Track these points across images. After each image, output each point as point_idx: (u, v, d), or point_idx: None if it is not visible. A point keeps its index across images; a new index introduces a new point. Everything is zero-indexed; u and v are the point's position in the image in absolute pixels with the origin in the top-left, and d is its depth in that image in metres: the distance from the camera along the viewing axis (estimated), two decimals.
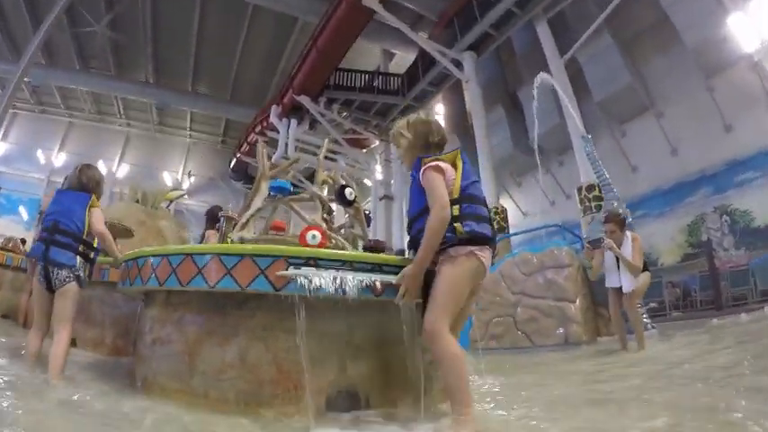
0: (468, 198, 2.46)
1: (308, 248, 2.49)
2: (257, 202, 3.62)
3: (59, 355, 2.98)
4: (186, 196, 11.89)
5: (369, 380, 2.36)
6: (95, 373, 3.51)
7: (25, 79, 21.53)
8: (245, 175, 27.95)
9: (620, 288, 5.51)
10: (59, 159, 29.06)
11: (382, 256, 2.56)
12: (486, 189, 14.55)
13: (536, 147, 11.98)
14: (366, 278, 2.31)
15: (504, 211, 14.54)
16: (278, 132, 20.38)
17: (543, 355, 6.48)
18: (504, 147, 17.56)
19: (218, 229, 5.96)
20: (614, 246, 5.50)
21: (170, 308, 2.73)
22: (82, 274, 3.26)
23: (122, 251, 3.51)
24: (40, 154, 28.90)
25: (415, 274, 2.33)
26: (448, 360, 2.17)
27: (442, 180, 2.42)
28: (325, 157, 20.52)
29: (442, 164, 2.48)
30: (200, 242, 6.23)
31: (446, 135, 2.77)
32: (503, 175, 16.88)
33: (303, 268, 2.26)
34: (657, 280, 11.28)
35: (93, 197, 3.45)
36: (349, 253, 2.52)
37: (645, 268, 5.70)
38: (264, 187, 3.71)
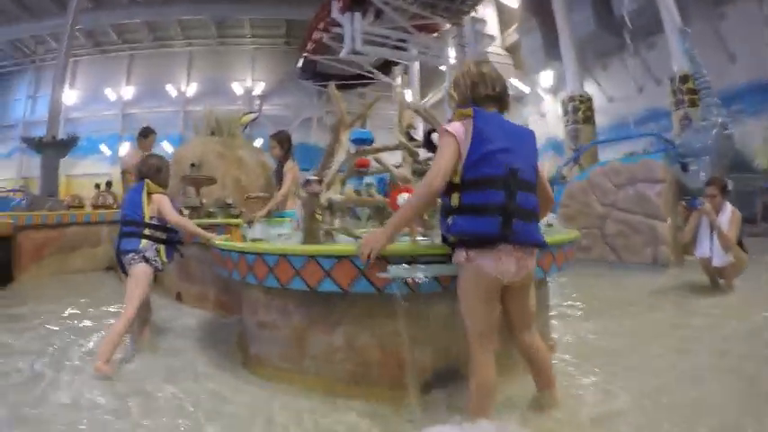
0: (472, 183, 2.03)
1: (406, 247, 2.39)
2: (340, 156, 3.44)
3: (114, 333, 3.09)
4: (259, 114, 12.20)
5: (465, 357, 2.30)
6: (204, 341, 3.83)
7: (77, 27, 22.24)
8: (315, 73, 27.95)
9: (710, 259, 5.21)
10: (128, 92, 30.50)
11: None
12: (568, 72, 13.56)
13: (625, 24, 10.91)
14: None
15: (589, 100, 13.41)
16: (342, 27, 19.82)
17: (630, 276, 6.47)
18: (586, 25, 15.93)
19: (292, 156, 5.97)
20: (712, 212, 5.16)
21: (272, 296, 2.78)
22: (150, 255, 3.40)
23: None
24: (109, 92, 30.29)
25: (373, 239, 2.16)
26: (472, 386, 2.06)
27: (452, 149, 2.07)
28: (395, 47, 20.01)
29: (456, 126, 2.11)
30: (278, 170, 6.24)
31: (503, 83, 2.26)
32: (586, 57, 15.48)
33: (402, 266, 2.21)
34: (750, 188, 10.38)
35: (147, 183, 3.52)
36: (442, 248, 2.32)
37: (740, 243, 5.27)
38: (345, 138, 3.53)
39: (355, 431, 2.16)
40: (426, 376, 2.37)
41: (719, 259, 5.13)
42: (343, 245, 2.69)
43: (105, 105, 30.76)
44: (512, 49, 19.33)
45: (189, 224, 3.64)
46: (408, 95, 27.55)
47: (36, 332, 4.02)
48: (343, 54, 19.03)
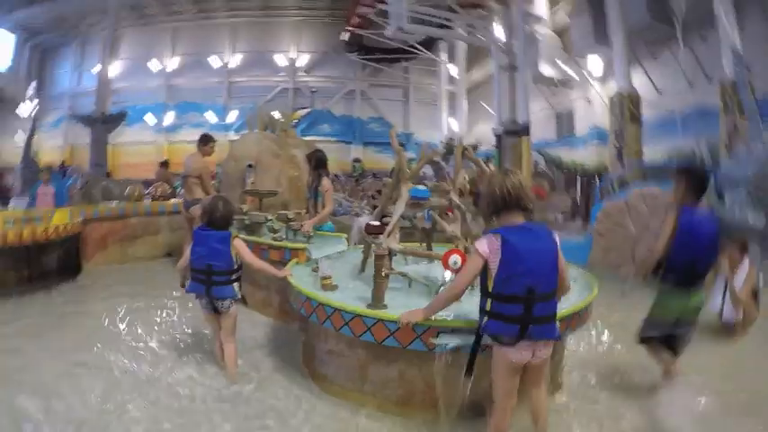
0: (499, 297, 2.70)
1: (453, 321, 3.12)
2: (400, 208, 4.10)
3: (232, 359, 4.08)
4: (311, 108, 12.70)
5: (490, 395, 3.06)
6: (266, 348, 4.68)
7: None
8: (360, 46, 28.59)
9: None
10: (173, 63, 31.67)
11: None
12: (617, 61, 13.51)
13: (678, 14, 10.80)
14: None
15: (636, 97, 13.27)
16: (387, 2, 20.20)
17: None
18: (638, 11, 15.30)
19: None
20: (729, 273, 5.26)
21: (342, 334, 3.50)
22: (238, 295, 4.16)
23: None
24: (153, 63, 31.49)
25: (413, 315, 3.02)
26: (491, 427, 2.87)
27: (477, 266, 2.77)
28: (441, 26, 20.30)
29: (484, 247, 2.73)
30: (312, 188, 6.79)
31: (528, 194, 2.81)
32: (637, 44, 15.13)
33: (447, 336, 3.05)
34: None
35: (232, 233, 4.24)
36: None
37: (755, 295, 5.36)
38: (405, 192, 4.16)
39: None
40: (460, 406, 3.13)
41: (728, 314, 5.27)
42: None
43: (150, 76, 31.96)
44: (560, 31, 19.25)
45: (267, 267, 4.37)
46: (453, 71, 27.89)
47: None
48: (388, 33, 19.48)
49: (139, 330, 5.15)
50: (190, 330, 5.20)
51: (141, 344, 4.76)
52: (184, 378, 3.95)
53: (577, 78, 18.46)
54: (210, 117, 31.11)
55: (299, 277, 4.32)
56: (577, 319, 3.54)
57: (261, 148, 9.26)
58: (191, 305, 5.61)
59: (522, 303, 2.65)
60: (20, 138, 28.92)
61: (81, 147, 25.28)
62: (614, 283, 6.95)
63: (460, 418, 3.11)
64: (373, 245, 3.78)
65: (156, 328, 5.26)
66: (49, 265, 7.26)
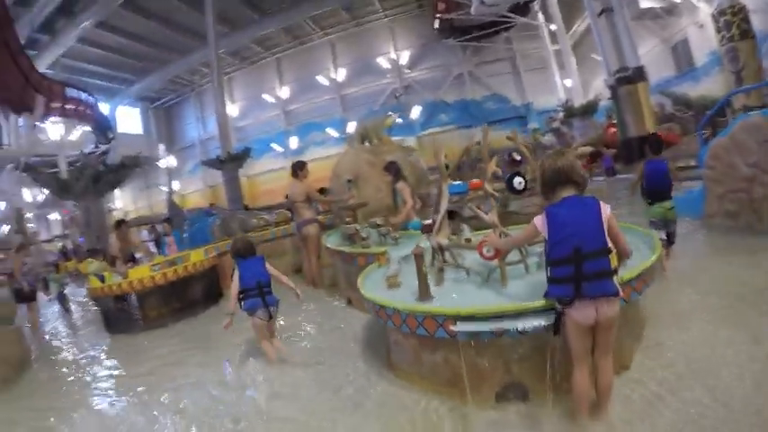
0: (553, 262, 2.99)
1: (467, 309, 3.34)
2: (444, 205, 4.47)
3: (282, 348, 5.08)
4: (398, 115, 13.07)
5: (530, 377, 3.34)
6: (363, 343, 5.27)
7: (221, 51, 25.73)
8: (453, 29, 28.88)
9: None
10: (284, 92, 34.38)
11: (518, 305, 3.25)
12: None
13: None
14: (511, 325, 3.15)
15: (742, 10, 12.26)
16: None
17: None
18: None
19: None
20: None
21: None
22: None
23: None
24: (267, 96, 34.29)
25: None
26: (573, 390, 3.06)
27: (529, 232, 3.20)
28: None
29: (538, 220, 3.08)
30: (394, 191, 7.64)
31: (558, 167, 3.08)
32: None
33: (464, 322, 3.31)
34: None
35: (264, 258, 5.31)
36: (499, 308, 3.30)
37: None
38: (446, 190, 4.55)
39: (445, 417, 3.45)
40: (497, 389, 3.39)
41: None
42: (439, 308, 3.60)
43: (266, 109, 35.20)
44: None
45: (286, 280, 5.33)
46: (553, 29, 27.05)
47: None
48: (474, 10, 19.59)
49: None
50: (309, 331, 6.07)
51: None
52: (297, 375, 4.70)
53: (679, 2, 17.25)
54: (332, 132, 32.76)
55: (375, 280, 4.84)
56: (642, 281, 3.63)
57: (359, 161, 9.94)
58: (300, 318, 6.44)
59: (572, 264, 2.90)
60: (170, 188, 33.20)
61: (218, 185, 27.98)
62: (732, 238, 6.70)
63: (557, 392, 3.26)
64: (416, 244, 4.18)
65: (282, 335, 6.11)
66: (195, 295, 8.61)
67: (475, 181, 4.91)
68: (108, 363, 6.73)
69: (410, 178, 9.00)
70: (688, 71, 19.23)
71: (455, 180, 4.96)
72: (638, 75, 16.72)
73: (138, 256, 10.20)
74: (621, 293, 2.97)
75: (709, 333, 3.97)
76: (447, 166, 4.74)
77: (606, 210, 3.00)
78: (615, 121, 18.40)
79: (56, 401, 5.33)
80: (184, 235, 12.79)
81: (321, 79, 33.35)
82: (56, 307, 11.68)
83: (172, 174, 31.15)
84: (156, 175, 33.21)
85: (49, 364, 7.15)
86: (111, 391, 5.44)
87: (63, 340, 8.69)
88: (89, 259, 12.32)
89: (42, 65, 25.32)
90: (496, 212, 4.50)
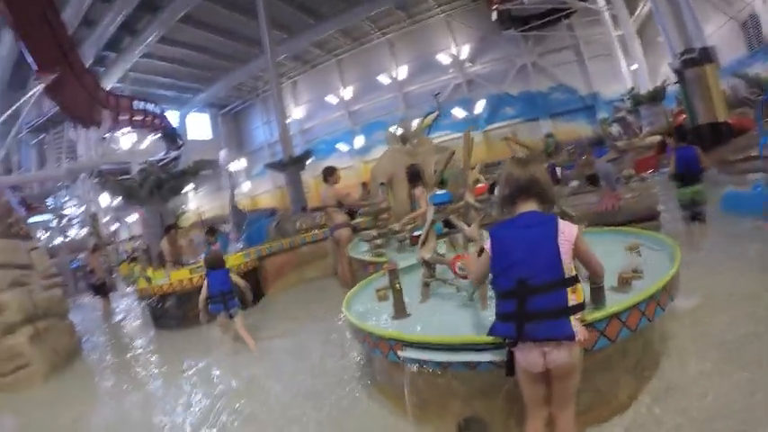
0: (497, 294, 2.61)
1: (410, 335, 3.20)
2: (430, 215, 4.30)
3: (250, 338, 6.25)
4: (439, 112, 12.97)
5: (490, 413, 3.06)
6: None
7: (283, 56, 26.40)
8: (513, 20, 28.16)
9: None
10: (347, 93, 34.91)
11: (468, 338, 3.00)
12: None
13: None
14: (458, 358, 2.92)
15: None
16: None
17: None
18: None
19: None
20: None
21: None
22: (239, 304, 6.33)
23: None
24: (330, 98, 34.98)
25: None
26: None
27: (483, 262, 2.74)
28: None
29: (487, 243, 2.67)
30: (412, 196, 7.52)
31: (518, 177, 2.66)
32: None
33: (412, 349, 3.14)
34: None
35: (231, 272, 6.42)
36: (444, 339, 3.08)
37: None
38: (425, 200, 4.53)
39: None
40: (458, 420, 3.15)
41: None
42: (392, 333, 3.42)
43: (331, 110, 35.92)
44: None
45: (245, 287, 6.56)
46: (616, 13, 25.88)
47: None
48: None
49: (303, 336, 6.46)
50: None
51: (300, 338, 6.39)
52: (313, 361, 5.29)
53: None
54: (396, 131, 32.88)
55: (371, 291, 4.72)
56: (664, 296, 3.16)
57: (394, 162, 9.98)
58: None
59: (515, 298, 2.48)
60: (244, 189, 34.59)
61: (286, 187, 28.73)
62: None
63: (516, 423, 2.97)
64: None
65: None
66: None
67: (480, 186, 4.91)
68: (146, 353, 7.82)
69: (449, 181, 9.16)
70: (759, 49, 17.71)
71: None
72: (706, 56, 15.19)
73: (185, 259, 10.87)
74: (580, 337, 2.43)
75: (738, 374, 3.23)
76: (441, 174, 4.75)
77: (568, 231, 2.53)
78: (683, 108, 17.26)
79: (97, 385, 6.64)
80: (242, 236, 13.29)
81: (382, 78, 33.54)
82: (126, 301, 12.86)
83: (237, 177, 32.36)
84: (221, 180, 34.48)
85: (97, 352, 8.45)
86: (143, 377, 6.57)
87: (113, 333, 10.18)
88: (131, 263, 13.28)
89: (112, 80, 27.27)
90: (478, 225, 4.29)
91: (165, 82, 33.37)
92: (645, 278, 3.37)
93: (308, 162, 24.73)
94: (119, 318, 11.62)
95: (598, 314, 2.82)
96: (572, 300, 2.45)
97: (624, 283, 3.29)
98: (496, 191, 3.78)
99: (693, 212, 6.41)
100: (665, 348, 3.66)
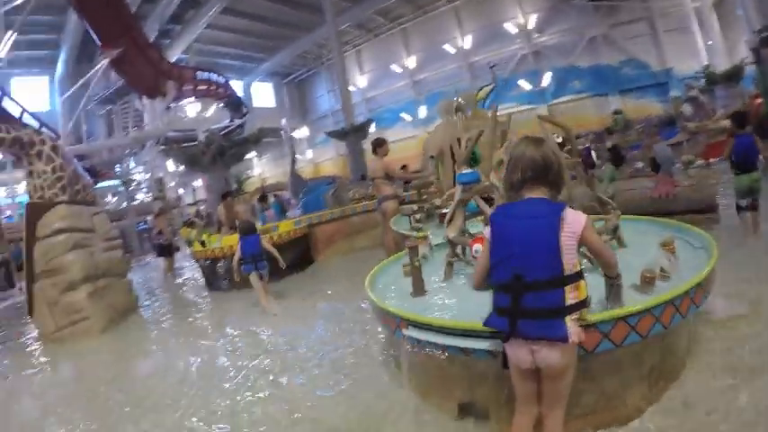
0: (493, 286, 2.45)
1: (409, 314, 3.19)
2: (457, 194, 4.25)
3: (270, 300, 7.15)
4: (495, 84, 12.67)
5: (490, 400, 3.03)
6: None
7: (347, 25, 26.44)
8: None
9: None
10: (411, 62, 34.48)
11: (467, 323, 2.87)
12: None
13: None
14: (455, 343, 2.86)
15: None
16: None
17: None
18: None
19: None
20: None
21: None
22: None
23: None
24: (394, 67, 34.78)
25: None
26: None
27: (485, 253, 2.54)
28: None
29: (486, 231, 2.53)
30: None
31: (528, 158, 2.43)
32: None
33: (416, 330, 3.12)
34: None
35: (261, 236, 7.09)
36: (445, 321, 3.06)
37: None
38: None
39: (408, 416, 3.37)
40: (460, 402, 3.17)
41: None
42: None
43: (395, 79, 35.70)
44: None
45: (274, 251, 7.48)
46: None
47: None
48: None
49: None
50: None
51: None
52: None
53: None
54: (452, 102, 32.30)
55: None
56: (699, 293, 2.93)
57: (445, 136, 9.93)
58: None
59: (510, 293, 2.34)
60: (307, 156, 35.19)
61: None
62: None
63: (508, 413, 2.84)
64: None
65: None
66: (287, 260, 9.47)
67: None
68: (196, 311, 8.48)
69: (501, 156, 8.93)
70: None
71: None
72: None
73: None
74: (574, 339, 2.28)
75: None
76: (474, 152, 4.63)
77: (575, 222, 2.34)
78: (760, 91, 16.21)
79: (148, 338, 7.32)
80: (301, 202, 13.57)
81: (448, 48, 32.93)
82: (186, 263, 13.95)
83: (299, 144, 32.87)
84: (284, 147, 34.94)
85: (152, 309, 9.21)
86: (190, 332, 7.12)
87: (170, 291, 11.06)
88: (189, 227, 13.99)
89: (176, 52, 28.13)
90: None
91: (229, 52, 34.12)
92: (672, 278, 3.09)
93: (369, 131, 24.81)
94: (177, 278, 12.33)
95: (601, 315, 2.62)
96: (571, 299, 2.30)
97: (647, 283, 3.00)
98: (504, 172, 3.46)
99: (750, 201, 6.28)
100: (691, 357, 3.37)
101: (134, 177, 29.25)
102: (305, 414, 3.74)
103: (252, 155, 32.43)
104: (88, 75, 20.99)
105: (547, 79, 30.52)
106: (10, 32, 17.92)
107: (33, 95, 26.40)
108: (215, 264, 9.38)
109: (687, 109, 22.37)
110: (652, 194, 7.47)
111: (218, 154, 16.13)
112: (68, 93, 23.18)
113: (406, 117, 35.08)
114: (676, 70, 27.29)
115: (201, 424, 3.89)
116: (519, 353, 2.35)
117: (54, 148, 8.13)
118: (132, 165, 28.85)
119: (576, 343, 2.31)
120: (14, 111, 18.84)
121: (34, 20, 21.93)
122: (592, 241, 2.40)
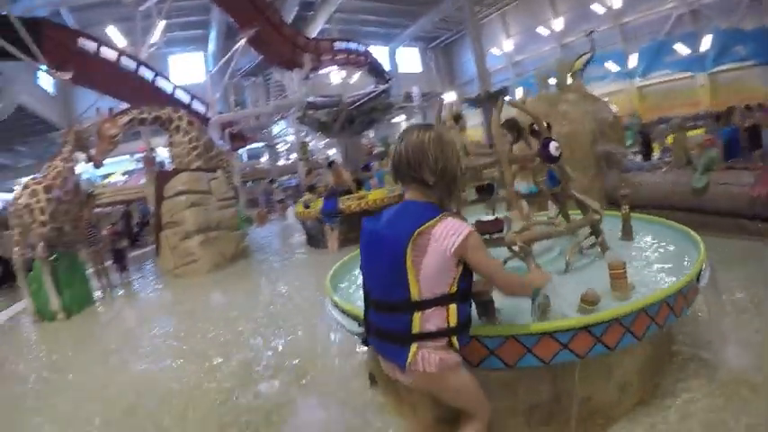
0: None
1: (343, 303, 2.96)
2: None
3: (336, 242, 9.69)
4: (593, 53, 11.93)
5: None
6: None
7: None
8: None
9: None
10: (558, 24, 33.43)
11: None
12: None
13: None
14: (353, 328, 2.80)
15: None
16: None
17: None
18: None
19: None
20: None
21: None
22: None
23: None
24: (541, 30, 34.10)
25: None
26: None
27: None
28: None
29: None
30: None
31: (398, 158, 2.05)
32: None
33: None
34: None
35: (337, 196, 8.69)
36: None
37: None
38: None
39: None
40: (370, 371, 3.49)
41: None
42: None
43: (542, 42, 34.79)
44: None
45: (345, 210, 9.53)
46: None
47: None
48: None
49: None
50: None
51: None
52: None
53: None
54: (611, 66, 30.63)
55: None
56: (681, 299, 2.53)
57: (536, 110, 10.18)
58: None
59: (366, 304, 2.16)
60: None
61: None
62: None
63: None
64: None
65: None
66: None
67: None
68: (291, 263, 9.95)
69: (586, 134, 8.74)
70: None
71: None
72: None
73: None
74: (433, 369, 1.92)
75: None
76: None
77: (445, 236, 1.88)
78: None
79: (245, 280, 8.98)
80: None
81: (596, 8, 31.03)
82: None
83: (425, 110, 33.49)
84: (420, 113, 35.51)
85: (257, 258, 10.92)
86: (279, 278, 8.53)
87: (278, 245, 12.96)
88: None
89: (319, 23, 29.86)
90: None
91: (370, 19, 35.58)
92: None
93: (505, 98, 24.82)
94: (290, 237, 13.77)
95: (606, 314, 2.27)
96: (428, 327, 1.91)
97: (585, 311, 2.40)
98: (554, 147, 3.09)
99: None
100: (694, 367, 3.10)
101: (285, 140, 32.38)
102: None
103: (401, 118, 33.90)
104: (231, 52, 23.46)
105: (706, 43, 26.47)
106: (162, 22, 20.87)
107: (190, 70, 31.73)
108: (312, 224, 10.82)
109: None
110: (750, 193, 5.85)
111: (347, 122, 17.47)
112: (215, 68, 26.24)
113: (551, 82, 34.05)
114: None
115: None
116: (382, 362, 2.13)
117: (190, 123, 10.40)
118: (277, 129, 31.74)
119: (434, 371, 1.92)
120: (167, 87, 21.81)
121: (183, 5, 25.60)
122: (477, 262, 1.93)
